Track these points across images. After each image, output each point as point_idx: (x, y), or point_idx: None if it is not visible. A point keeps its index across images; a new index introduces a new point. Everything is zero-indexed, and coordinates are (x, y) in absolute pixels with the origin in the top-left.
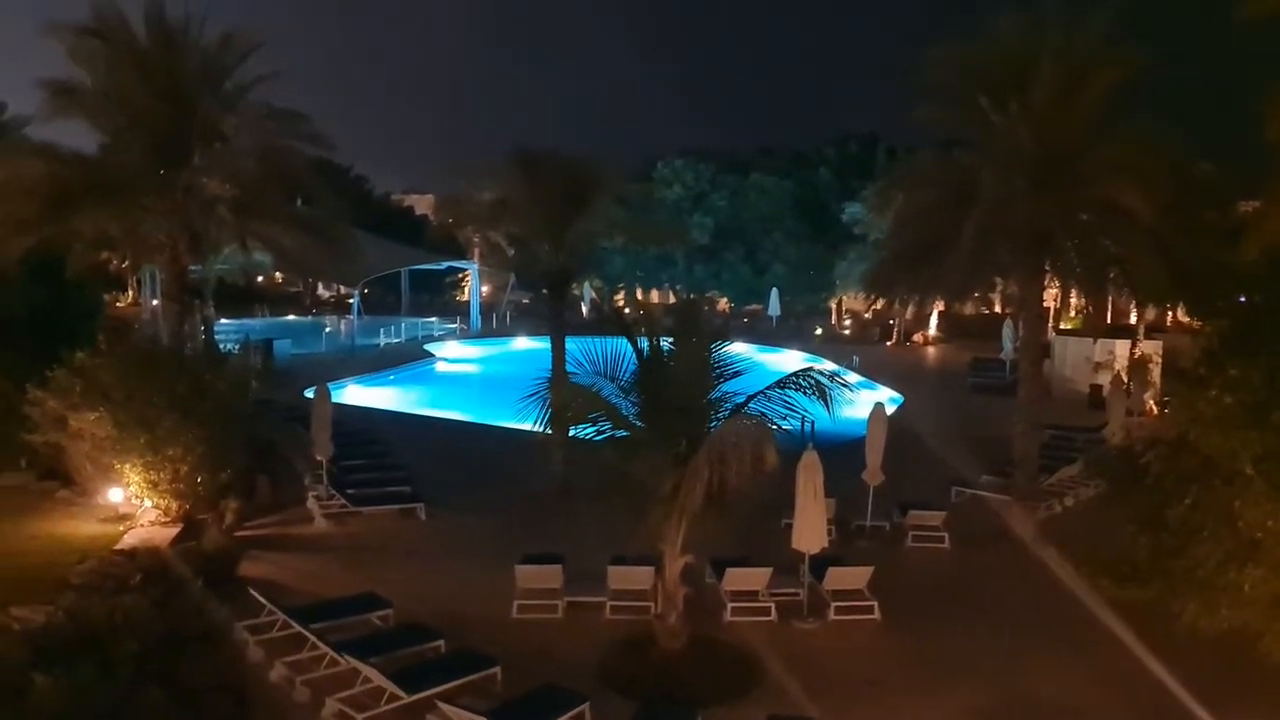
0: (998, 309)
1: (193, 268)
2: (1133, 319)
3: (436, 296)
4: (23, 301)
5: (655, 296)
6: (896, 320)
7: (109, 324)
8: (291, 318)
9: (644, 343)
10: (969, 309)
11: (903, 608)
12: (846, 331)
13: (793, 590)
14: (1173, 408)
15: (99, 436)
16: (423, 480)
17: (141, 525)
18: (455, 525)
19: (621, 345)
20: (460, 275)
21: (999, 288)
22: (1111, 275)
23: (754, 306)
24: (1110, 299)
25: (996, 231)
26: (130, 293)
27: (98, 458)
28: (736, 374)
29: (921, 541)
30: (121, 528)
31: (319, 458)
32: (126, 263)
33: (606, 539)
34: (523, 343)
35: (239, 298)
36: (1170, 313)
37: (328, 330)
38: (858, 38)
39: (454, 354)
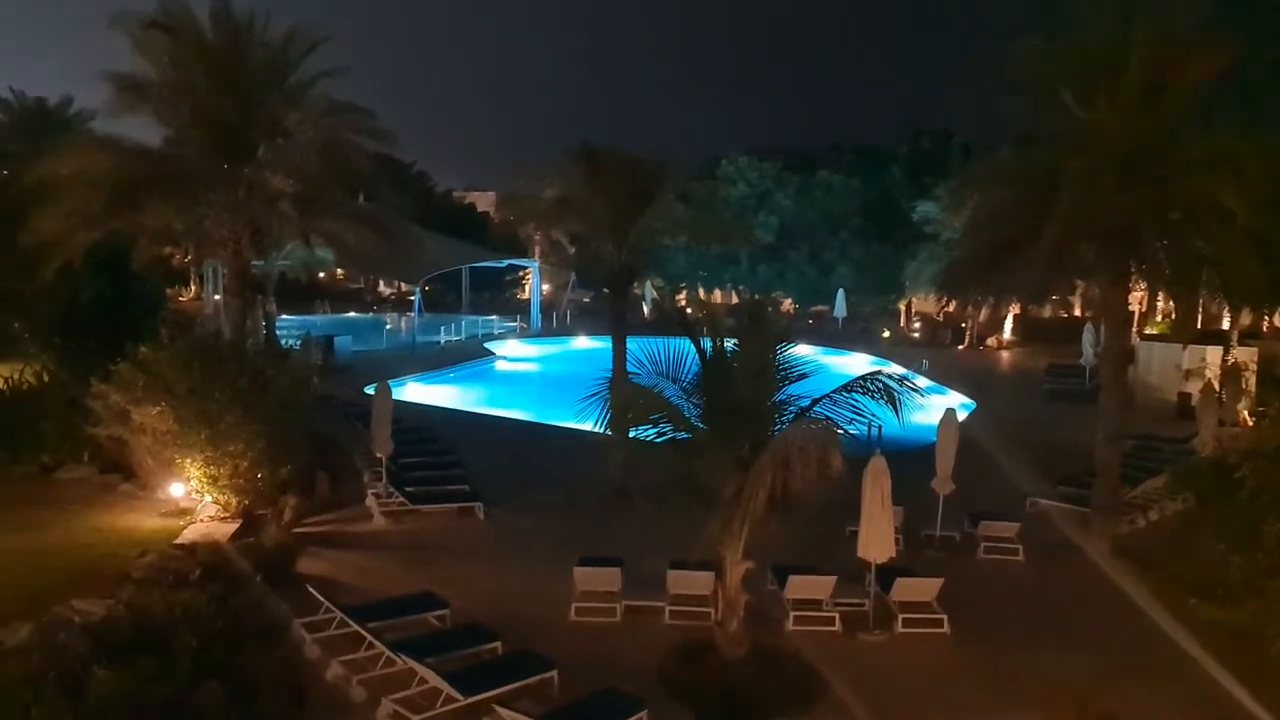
0: (1077, 312)
1: (255, 263)
2: (1225, 324)
3: (497, 295)
4: (88, 295)
5: (718, 297)
6: (969, 323)
7: (172, 318)
8: (353, 314)
9: (707, 343)
10: (1047, 312)
11: (974, 623)
12: (916, 334)
13: (858, 600)
14: (1270, 418)
15: (160, 431)
16: (481, 479)
17: (201, 520)
18: (513, 525)
19: (684, 346)
20: (521, 273)
21: (1079, 290)
22: (1204, 277)
23: (819, 308)
24: (1201, 303)
25: (1079, 231)
26: (193, 287)
27: (159, 452)
28: (801, 376)
29: (994, 554)
30: (182, 522)
31: (378, 455)
32: (189, 257)
33: (666, 542)
34: (583, 342)
35: (301, 294)
36: (1267, 318)
37: (388, 327)
38: (934, 31)
39: (514, 353)
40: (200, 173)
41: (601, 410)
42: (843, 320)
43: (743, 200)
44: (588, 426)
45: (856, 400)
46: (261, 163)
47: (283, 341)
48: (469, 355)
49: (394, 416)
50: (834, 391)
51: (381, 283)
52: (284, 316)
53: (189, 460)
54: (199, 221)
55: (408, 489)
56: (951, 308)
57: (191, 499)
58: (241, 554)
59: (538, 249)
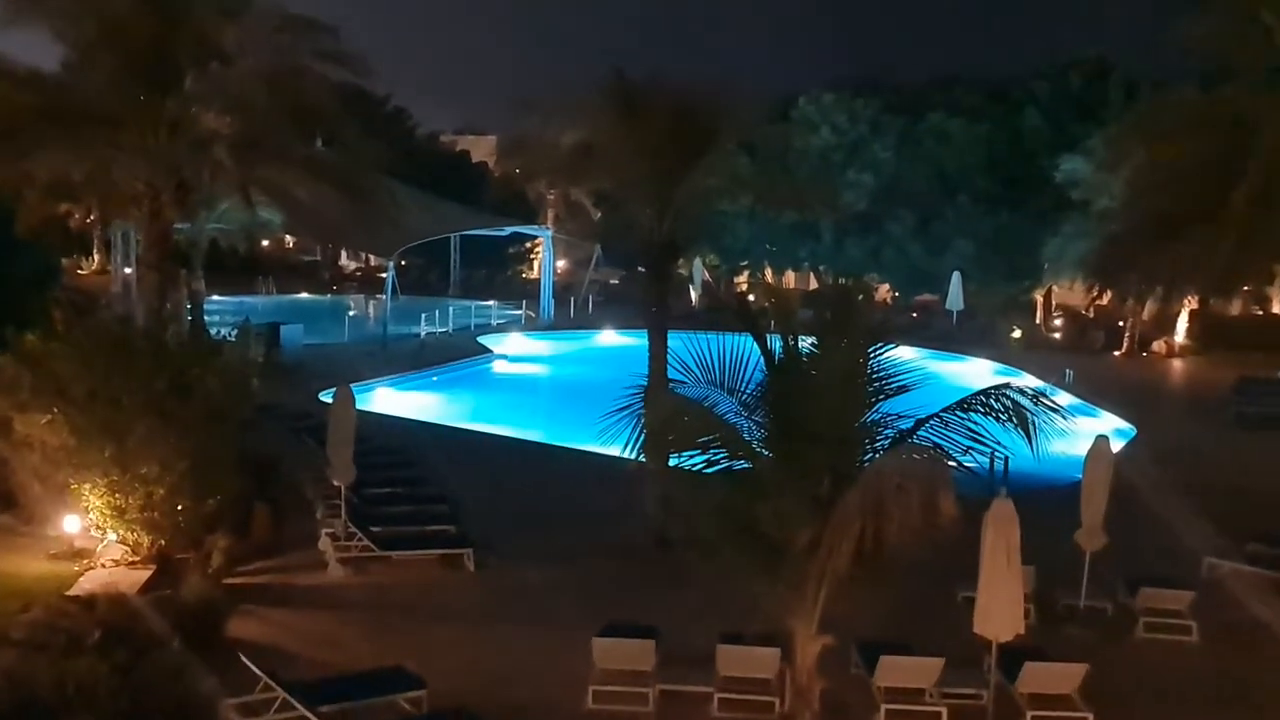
0: (1278, 309)
1: (179, 226)
2: None
3: (497, 273)
4: None
5: (791, 280)
6: (1129, 321)
7: (68, 298)
8: (305, 296)
9: (775, 343)
10: (1235, 308)
11: None
12: (1057, 335)
13: (973, 691)
14: None
15: (51, 446)
16: (473, 518)
17: (103, 565)
18: (513, 580)
19: (744, 345)
20: (529, 245)
21: None
22: None
23: (927, 297)
24: None
25: None
26: (97, 258)
27: (49, 474)
28: (902, 389)
29: (1158, 632)
30: (77, 567)
31: (336, 483)
32: (92, 218)
33: (716, 608)
34: (610, 338)
35: (238, 268)
36: None
37: (352, 313)
38: None
39: (518, 350)
40: (108, 106)
41: (633, 430)
42: (958, 314)
43: (827, 152)
44: (614, 451)
45: (975, 423)
46: (189, 95)
47: (213, 330)
48: (458, 353)
49: (358, 433)
50: (945, 410)
51: (344, 254)
52: (215, 297)
53: (88, 486)
54: (105, 170)
55: (374, 529)
56: (1105, 300)
57: (90, 537)
58: (155, 610)
59: (551, 213)
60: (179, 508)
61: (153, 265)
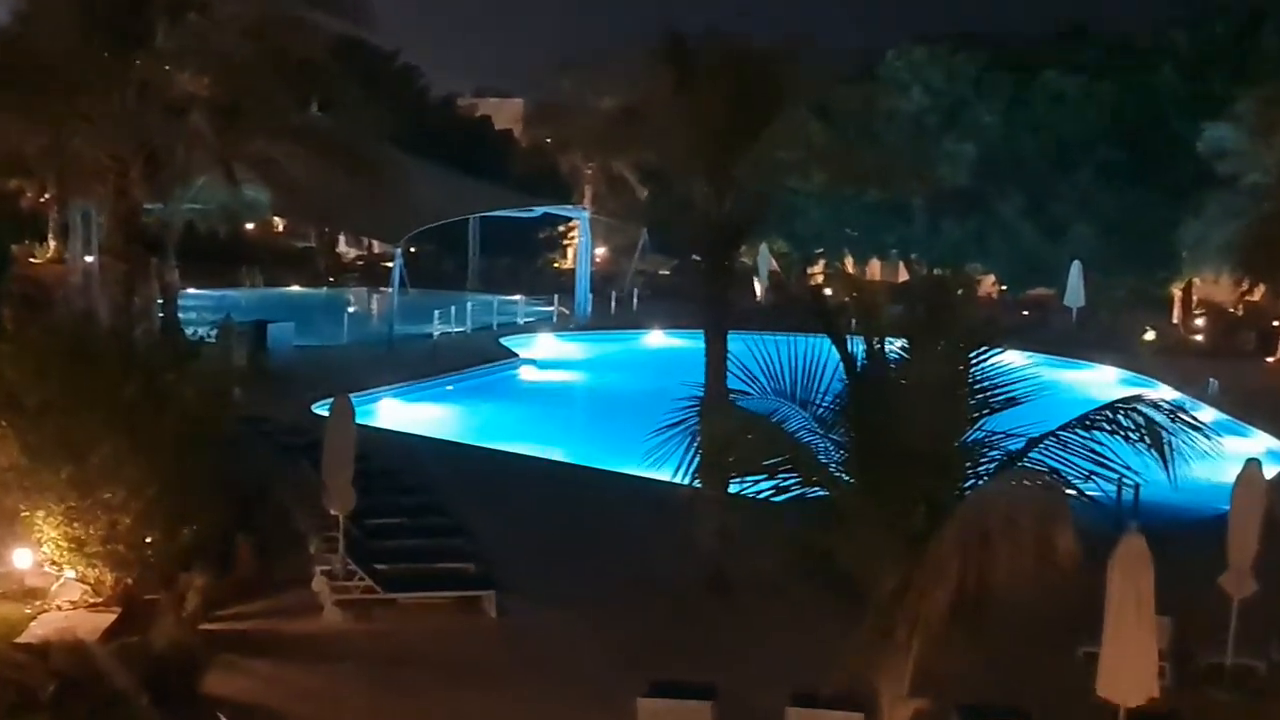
0: None
1: (149, 207)
2: None
3: (523, 262)
4: None
5: (875, 271)
6: None
7: (18, 290)
8: (297, 289)
9: (857, 346)
10: None
11: None
12: (1199, 337)
13: None
14: None
15: (0, 467)
16: (495, 553)
17: (59, 607)
18: (543, 627)
19: (819, 349)
20: (562, 229)
21: None
22: None
23: (1041, 291)
24: None
25: None
26: (52, 243)
27: None
28: (1010, 402)
29: None
30: (29, 609)
31: (333, 511)
32: (47, 196)
33: (785, 663)
34: (658, 339)
35: (218, 256)
36: None
37: (352, 310)
38: None
39: (549, 354)
40: (66, 65)
41: (687, 450)
42: (1078, 312)
43: (919, 117)
44: (663, 475)
45: (1100, 443)
46: (161, 51)
47: (189, 330)
48: (478, 357)
49: (359, 452)
50: (1063, 428)
51: (343, 240)
52: (191, 291)
53: (41, 513)
54: (63, 141)
55: (378, 566)
56: (1258, 295)
57: (44, 574)
58: (119, 661)
59: (589, 191)
60: (148, 540)
61: (118, 253)
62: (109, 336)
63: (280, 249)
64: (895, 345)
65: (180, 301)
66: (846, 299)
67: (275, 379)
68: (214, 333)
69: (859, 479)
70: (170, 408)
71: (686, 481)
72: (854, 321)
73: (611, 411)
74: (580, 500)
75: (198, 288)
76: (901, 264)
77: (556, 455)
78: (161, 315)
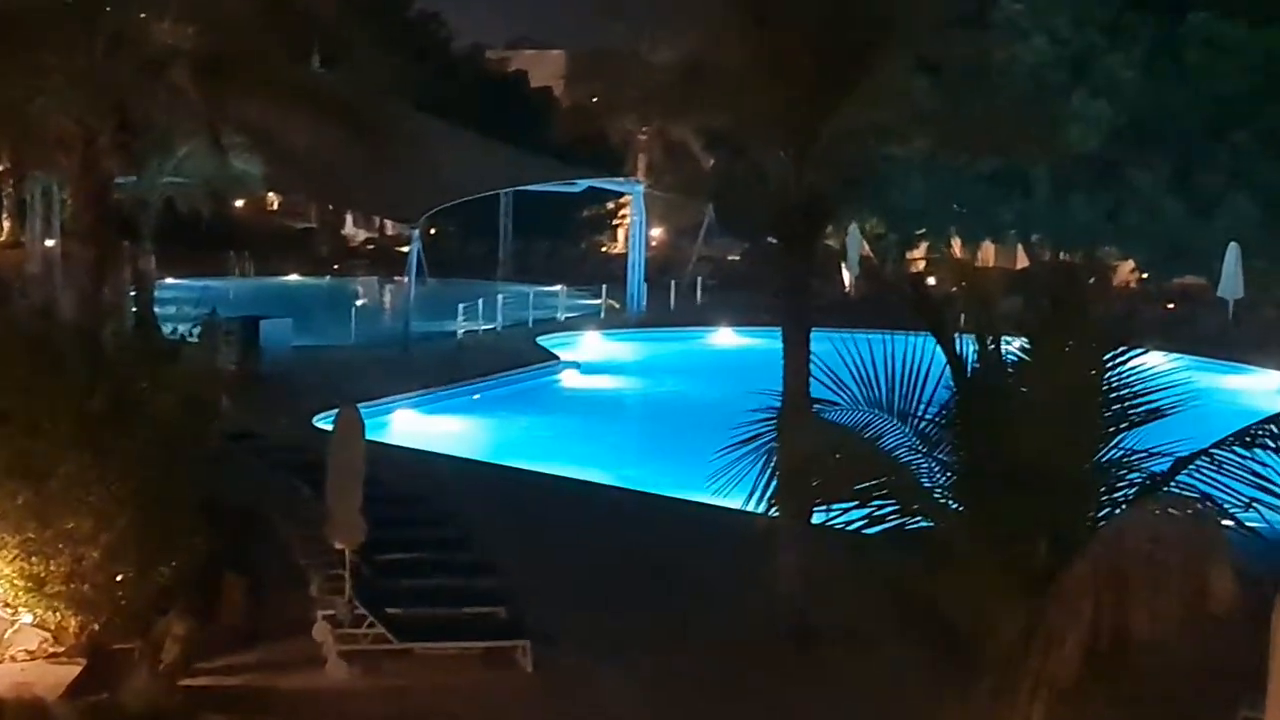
0: None
1: (121, 181)
2: None
3: (565, 246)
4: None
5: (989, 255)
6: None
7: None
8: (295, 278)
9: (967, 347)
10: None
11: None
12: None
13: None
14: None
15: None
16: (530, 595)
17: (14, 657)
18: (588, 685)
19: (921, 350)
20: (612, 207)
21: None
22: None
23: (1189, 280)
24: None
25: None
26: (6, 225)
27: None
28: (1153, 414)
29: None
30: None
31: (339, 545)
32: (2, 170)
33: None
34: (727, 338)
35: (201, 239)
36: None
37: (361, 303)
38: None
39: (595, 355)
40: (25, 13)
41: (761, 472)
42: (1235, 304)
43: (1041, 70)
44: (733, 503)
45: (1263, 463)
46: None
47: (167, 328)
48: (511, 360)
49: (369, 474)
50: (1219, 445)
51: (349, 220)
52: (170, 280)
53: None
54: (20, 102)
55: (391, 611)
56: None
57: None
58: None
59: (644, 161)
60: (119, 578)
61: (85, 235)
62: (73, 335)
63: (275, 231)
64: (1013, 346)
65: (157, 293)
66: (954, 289)
67: (270, 386)
68: (197, 330)
69: (970, 507)
70: (145, 420)
71: (761, 510)
72: (963, 317)
73: (670, 425)
74: (633, 532)
75: (178, 276)
76: (1020, 247)
77: (605, 478)
78: (135, 309)
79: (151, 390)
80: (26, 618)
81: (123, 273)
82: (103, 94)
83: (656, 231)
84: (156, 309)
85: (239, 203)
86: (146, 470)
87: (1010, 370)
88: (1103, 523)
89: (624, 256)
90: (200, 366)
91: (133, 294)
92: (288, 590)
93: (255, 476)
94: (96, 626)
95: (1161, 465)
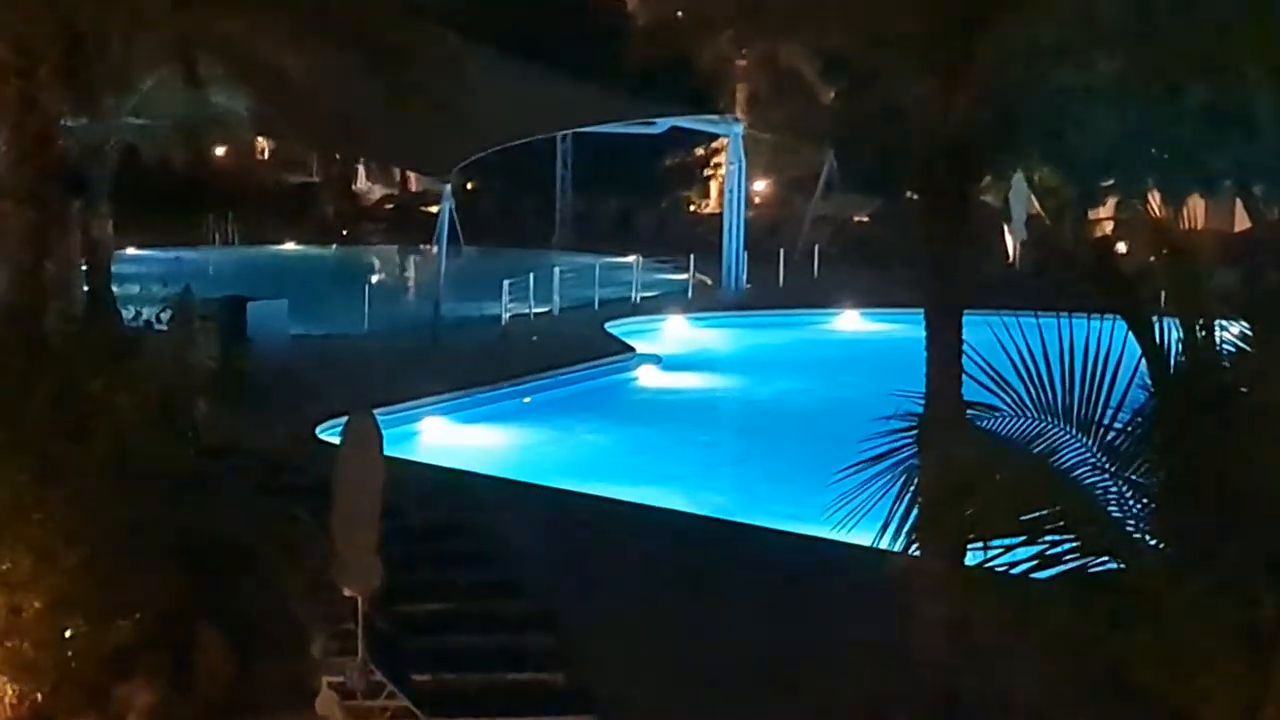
0: None
1: (69, 124)
2: None
3: (640, 204)
4: None
5: (1199, 213)
6: None
7: None
8: (292, 248)
9: (1170, 334)
10: None
11: None
12: None
13: None
14: None
15: None
16: (595, 656)
17: None
18: None
19: (1111, 338)
20: (701, 153)
21: None
22: None
23: None
24: None
25: None
26: None
27: None
28: None
29: None
30: None
31: (349, 592)
32: None
33: None
34: (852, 322)
35: (172, 197)
36: None
37: (377, 279)
38: None
39: (679, 347)
40: None
41: (898, 498)
42: None
43: None
44: (860, 538)
45: None
46: None
47: (128, 311)
48: (572, 352)
49: (390, 500)
50: None
51: (362, 173)
52: (133, 251)
53: None
54: None
55: (418, 677)
56: None
57: None
58: None
59: (743, 95)
60: (67, 633)
61: (23, 195)
62: (8, 320)
63: (267, 187)
64: (1230, 333)
65: (116, 267)
66: (1152, 258)
67: (260, 387)
68: (166, 315)
69: (1174, 544)
70: (100, 431)
71: (897, 548)
72: (1165, 294)
73: (778, 438)
74: (728, 575)
75: (142, 246)
76: (1240, 203)
77: (692, 506)
78: (88, 288)
79: (109, 392)
80: None
81: (71, 241)
82: (45, 8)
83: (760, 185)
84: (115, 287)
85: (220, 150)
86: (102, 494)
87: (1227, 364)
88: None
89: (718, 218)
90: (171, 361)
91: (84, 268)
92: (283, 650)
93: (242, 503)
94: (40, 696)
95: None
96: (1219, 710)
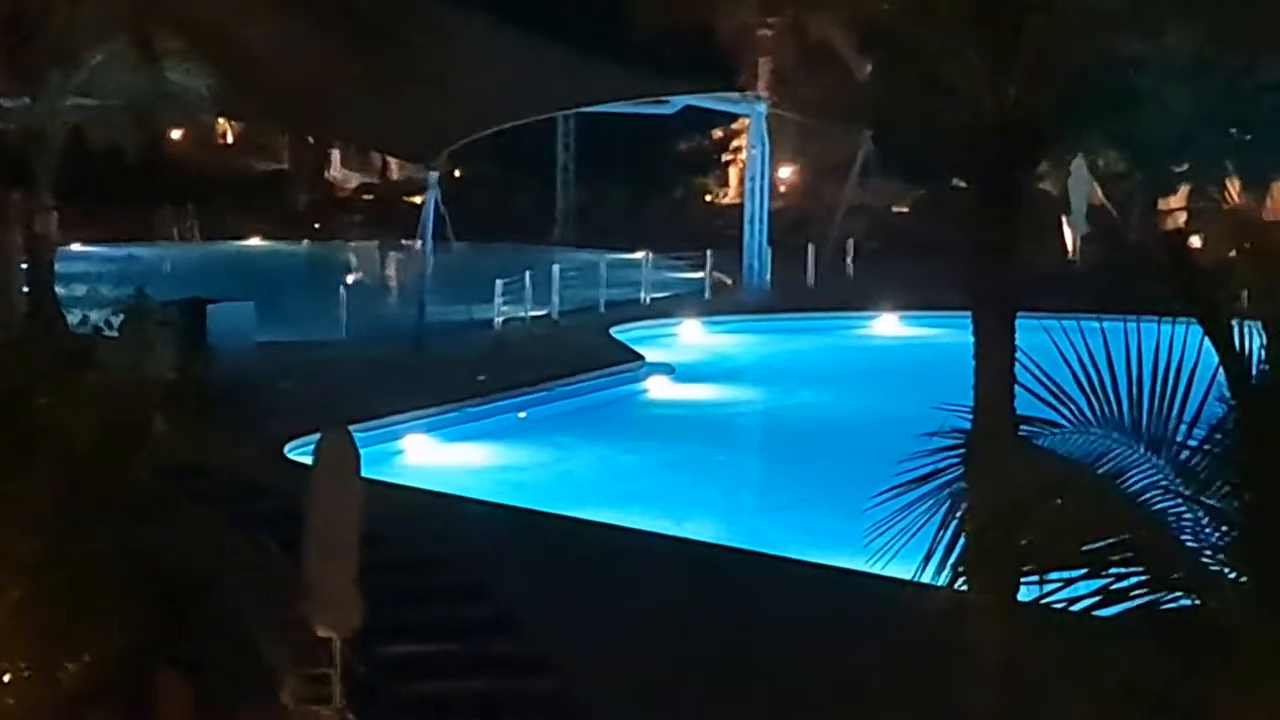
0: None
1: (6, 104)
2: None
3: (652, 193)
4: None
5: None
6: None
7: None
8: (258, 243)
9: (1253, 339)
10: None
11: None
12: None
13: None
14: None
15: None
16: (599, 702)
17: None
18: None
19: (1185, 344)
20: (720, 135)
21: None
22: None
23: None
24: None
25: None
26: None
27: None
28: None
29: None
30: None
31: (323, 632)
32: None
33: None
34: (890, 326)
35: (124, 187)
36: None
37: (355, 279)
38: None
39: (694, 354)
40: None
41: (944, 525)
42: None
43: None
44: (900, 571)
45: None
46: None
47: (74, 316)
48: (574, 361)
49: (369, 528)
50: None
51: (338, 158)
52: (79, 247)
53: None
54: None
55: None
56: None
57: None
58: None
59: (768, 70)
60: (5, 678)
61: None
62: None
63: (230, 174)
64: None
65: (61, 266)
66: (1231, 254)
67: (223, 400)
68: (118, 320)
69: (1258, 577)
70: (44, 450)
71: (943, 582)
72: (1246, 295)
73: (806, 458)
74: (748, 610)
75: (90, 241)
76: None
77: (708, 533)
78: (28, 289)
79: (53, 407)
80: None
81: (10, 236)
82: None
83: (787, 172)
84: (60, 288)
85: (177, 134)
86: (48, 523)
87: None
88: None
89: (738, 208)
90: (124, 372)
91: (24, 267)
92: (251, 696)
93: (204, 532)
94: None
95: None
96: None
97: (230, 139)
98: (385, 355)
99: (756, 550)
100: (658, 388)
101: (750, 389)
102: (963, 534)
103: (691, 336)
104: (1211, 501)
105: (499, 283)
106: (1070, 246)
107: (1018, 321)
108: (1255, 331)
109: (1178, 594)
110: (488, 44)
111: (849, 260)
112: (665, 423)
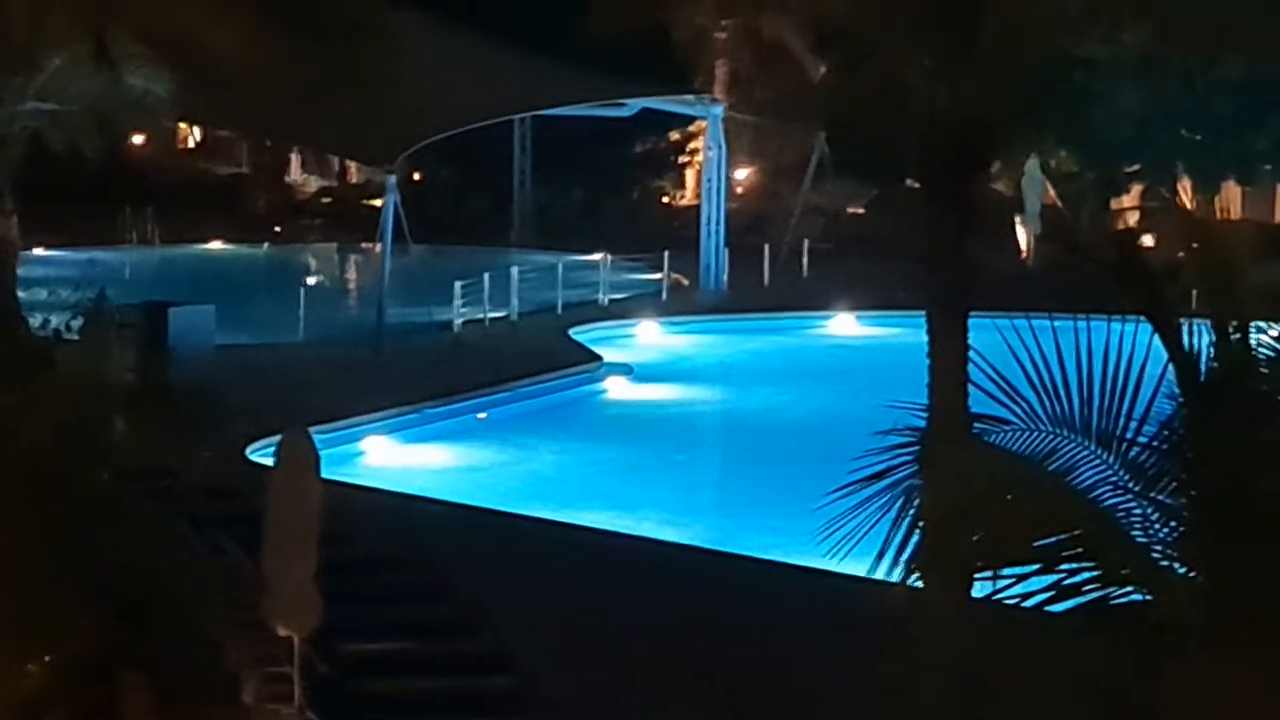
0: None
1: None
2: None
3: (608, 195)
4: None
5: (1235, 201)
6: None
7: None
8: (219, 247)
9: (1201, 338)
10: None
11: None
12: None
13: None
14: None
15: None
16: (562, 701)
17: None
18: None
19: (1135, 342)
20: (677, 138)
21: None
22: None
23: None
24: None
25: None
26: None
27: None
28: None
29: None
30: None
31: (284, 632)
32: None
33: None
34: (845, 326)
35: (85, 191)
36: None
37: (314, 281)
38: None
39: (654, 354)
40: None
41: (898, 522)
42: None
43: None
44: (855, 568)
45: None
46: None
47: (34, 320)
48: (532, 362)
49: (328, 528)
50: None
51: (297, 162)
52: (40, 252)
53: None
54: None
55: None
56: None
57: None
58: None
59: (723, 72)
60: None
61: None
62: None
63: (190, 178)
64: (1270, 334)
65: (21, 270)
66: (1182, 253)
67: (183, 403)
68: (78, 324)
69: (1208, 572)
70: (2, 452)
71: (897, 579)
72: (1196, 294)
73: (763, 456)
74: (707, 608)
75: (50, 246)
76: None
77: (666, 533)
78: None
79: (13, 411)
80: None
81: None
82: None
83: (743, 173)
84: (20, 292)
85: (138, 139)
86: (6, 524)
87: (1266, 371)
88: None
89: (695, 210)
90: (83, 375)
91: None
92: (212, 697)
93: (164, 534)
94: None
95: None
96: None
97: (191, 144)
98: (344, 357)
99: (715, 549)
100: (616, 388)
101: (708, 388)
102: (916, 530)
103: (649, 337)
104: (1161, 497)
105: (458, 285)
106: (1024, 247)
107: (971, 321)
108: (1204, 330)
109: (1129, 589)
110: (445, 48)
111: (805, 261)
112: (624, 422)
